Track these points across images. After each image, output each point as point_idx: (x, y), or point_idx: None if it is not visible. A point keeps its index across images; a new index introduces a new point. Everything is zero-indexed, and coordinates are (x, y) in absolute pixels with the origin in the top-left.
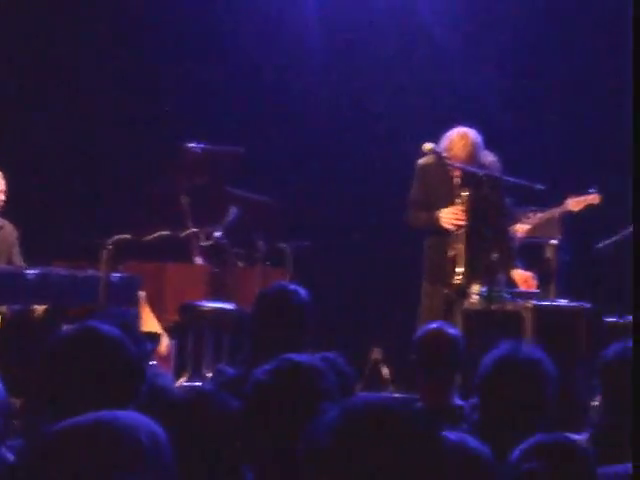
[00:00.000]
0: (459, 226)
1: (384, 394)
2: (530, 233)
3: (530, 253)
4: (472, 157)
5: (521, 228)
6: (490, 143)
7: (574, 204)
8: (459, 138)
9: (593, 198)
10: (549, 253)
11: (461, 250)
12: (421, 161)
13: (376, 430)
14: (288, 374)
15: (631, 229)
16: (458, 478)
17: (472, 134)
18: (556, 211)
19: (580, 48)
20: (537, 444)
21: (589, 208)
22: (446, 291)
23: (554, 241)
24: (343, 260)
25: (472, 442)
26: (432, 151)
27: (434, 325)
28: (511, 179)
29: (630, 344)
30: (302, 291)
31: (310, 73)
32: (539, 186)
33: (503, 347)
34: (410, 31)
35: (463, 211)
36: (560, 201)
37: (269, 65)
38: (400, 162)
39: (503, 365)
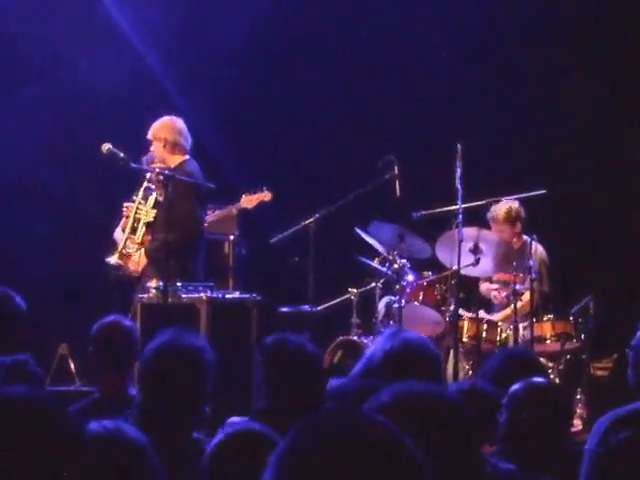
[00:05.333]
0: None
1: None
2: (209, 229)
3: (209, 248)
4: (177, 142)
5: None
6: None
7: (248, 201)
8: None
9: (265, 195)
10: (227, 248)
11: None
12: None
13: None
14: None
15: (303, 223)
16: (105, 466)
17: (178, 121)
18: (232, 208)
19: None
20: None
21: (262, 204)
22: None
23: (231, 237)
24: (28, 257)
25: (129, 430)
26: (110, 151)
27: (110, 318)
28: (183, 177)
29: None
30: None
31: None
32: (211, 185)
33: (164, 336)
34: None
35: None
36: (235, 199)
37: None
38: None
39: (163, 352)
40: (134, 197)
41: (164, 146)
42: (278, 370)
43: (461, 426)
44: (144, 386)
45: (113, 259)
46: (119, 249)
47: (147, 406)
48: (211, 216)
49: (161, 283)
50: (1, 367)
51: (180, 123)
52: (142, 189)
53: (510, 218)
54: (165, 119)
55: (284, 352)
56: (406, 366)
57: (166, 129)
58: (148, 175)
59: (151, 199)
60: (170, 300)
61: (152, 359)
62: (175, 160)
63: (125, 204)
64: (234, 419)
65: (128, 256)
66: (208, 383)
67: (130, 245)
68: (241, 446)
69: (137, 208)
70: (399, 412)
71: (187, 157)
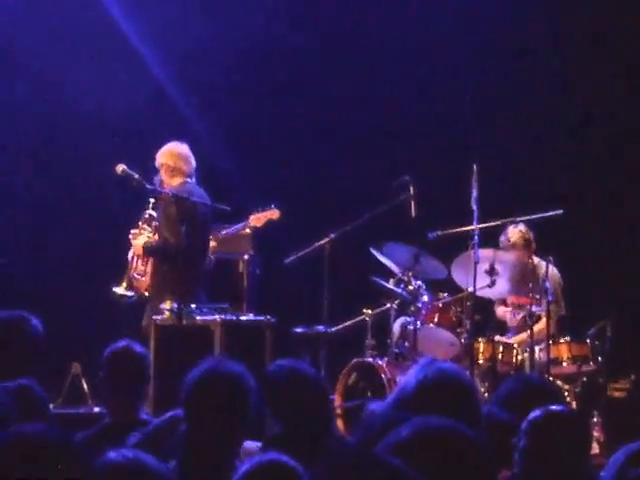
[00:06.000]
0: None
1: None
2: (217, 249)
3: (223, 268)
4: (176, 166)
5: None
6: None
7: (256, 220)
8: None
9: (272, 213)
10: (241, 268)
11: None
12: None
13: None
14: None
15: (318, 243)
16: None
17: (179, 146)
18: (241, 227)
19: None
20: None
21: (275, 224)
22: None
23: (246, 256)
24: (40, 274)
25: (148, 459)
26: (124, 172)
27: (121, 343)
28: (197, 199)
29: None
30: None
31: None
32: (224, 207)
33: (206, 362)
34: None
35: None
36: (244, 217)
37: None
38: None
39: (207, 381)
40: (139, 222)
41: (164, 171)
42: (279, 400)
43: (477, 461)
44: (190, 416)
45: (120, 289)
46: (126, 279)
47: (194, 436)
48: (222, 235)
49: (175, 304)
50: (6, 392)
51: (180, 148)
52: (146, 216)
53: (526, 243)
54: (167, 145)
55: (283, 382)
56: (440, 396)
57: (167, 155)
58: (152, 201)
59: (154, 224)
60: (184, 322)
61: (196, 389)
62: (175, 182)
63: (132, 231)
64: (249, 443)
65: (136, 279)
66: (251, 409)
67: (137, 269)
68: (267, 477)
69: (140, 234)
70: (417, 448)
71: (187, 180)
